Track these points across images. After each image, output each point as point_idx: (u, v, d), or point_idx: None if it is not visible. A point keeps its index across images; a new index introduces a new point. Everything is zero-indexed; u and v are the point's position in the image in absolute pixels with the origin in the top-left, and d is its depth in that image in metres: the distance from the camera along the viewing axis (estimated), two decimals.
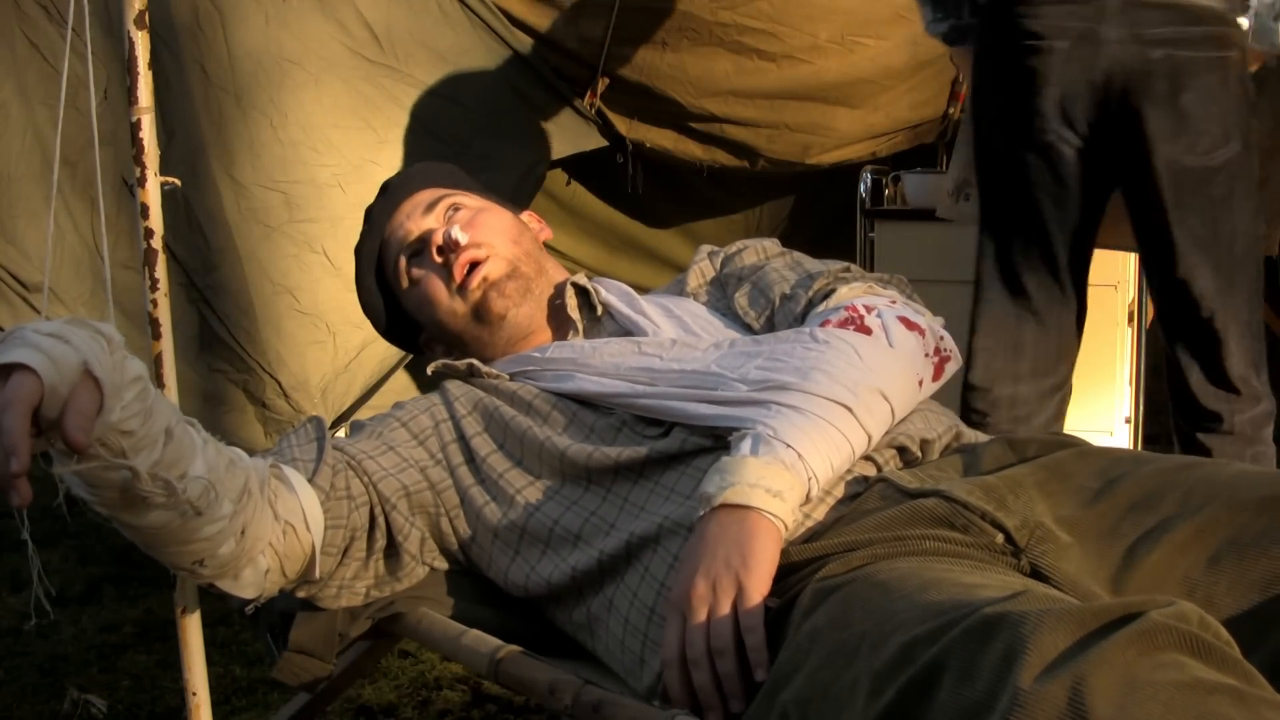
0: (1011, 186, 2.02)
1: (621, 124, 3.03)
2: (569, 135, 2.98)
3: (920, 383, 1.24)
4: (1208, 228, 1.92)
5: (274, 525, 1.16)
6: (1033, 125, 1.95)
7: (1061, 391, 2.12)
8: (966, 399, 2.10)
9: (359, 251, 1.50)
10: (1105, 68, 1.88)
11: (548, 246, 1.55)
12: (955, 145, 2.48)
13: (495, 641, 1.19)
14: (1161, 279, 2.00)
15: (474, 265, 1.40)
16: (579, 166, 3.15)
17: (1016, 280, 2.05)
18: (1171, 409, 2.07)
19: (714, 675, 1.00)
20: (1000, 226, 2.06)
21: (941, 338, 1.30)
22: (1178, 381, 2.02)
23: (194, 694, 1.41)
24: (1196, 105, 1.87)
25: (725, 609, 1.01)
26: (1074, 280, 2.06)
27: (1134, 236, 2.03)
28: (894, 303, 1.29)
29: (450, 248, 1.40)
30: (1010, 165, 2.01)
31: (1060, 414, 2.14)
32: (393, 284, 1.48)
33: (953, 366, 1.30)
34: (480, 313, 1.41)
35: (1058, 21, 1.90)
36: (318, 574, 1.22)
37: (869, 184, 3.00)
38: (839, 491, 1.14)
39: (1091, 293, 2.11)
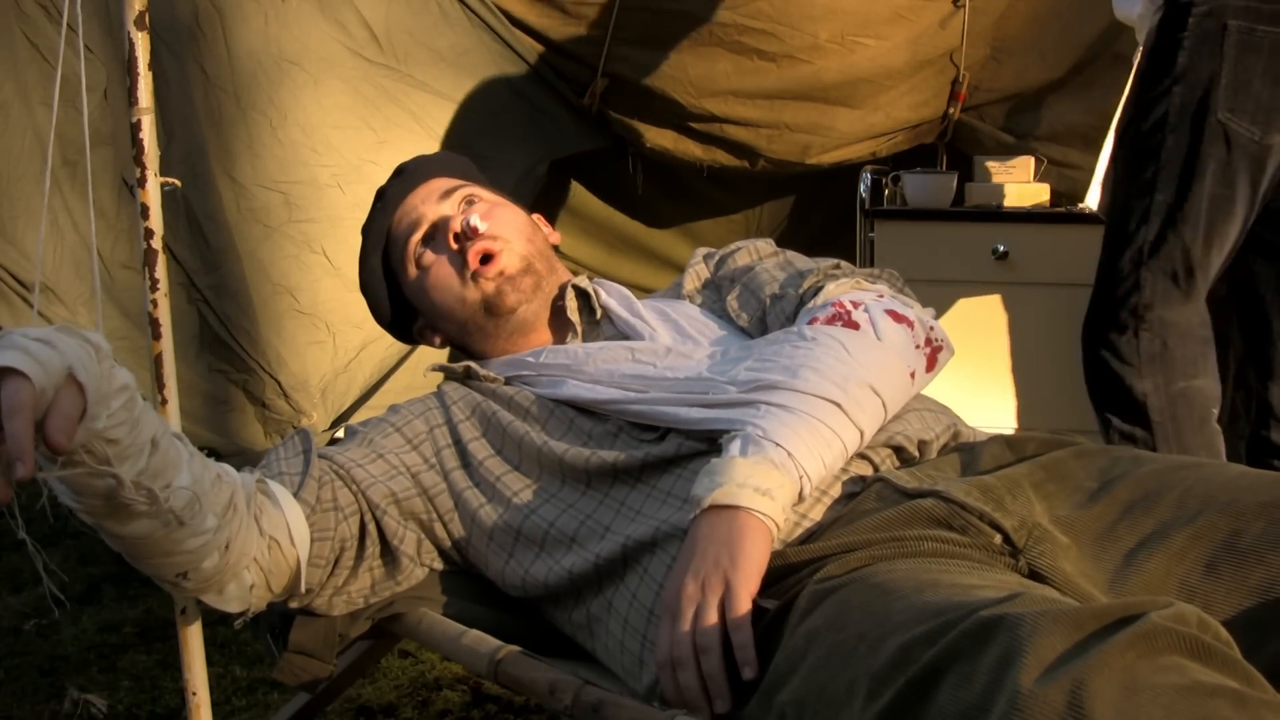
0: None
1: (621, 124, 3.03)
2: (569, 135, 2.97)
3: (912, 375, 1.24)
4: None
5: (259, 541, 1.16)
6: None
7: None
8: None
9: (367, 230, 1.49)
10: None
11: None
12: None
13: (495, 642, 1.19)
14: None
15: (490, 256, 1.40)
16: (579, 166, 3.14)
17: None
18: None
19: (700, 675, 1.00)
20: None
21: (931, 328, 1.29)
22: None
23: (194, 694, 1.41)
24: None
25: (712, 608, 1.01)
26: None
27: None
28: (881, 296, 1.29)
29: (469, 235, 1.40)
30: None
31: None
32: (397, 268, 1.47)
33: (945, 356, 1.30)
34: (491, 304, 1.41)
35: None
36: (304, 587, 1.22)
37: (869, 184, 2.99)
38: (835, 491, 1.14)
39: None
